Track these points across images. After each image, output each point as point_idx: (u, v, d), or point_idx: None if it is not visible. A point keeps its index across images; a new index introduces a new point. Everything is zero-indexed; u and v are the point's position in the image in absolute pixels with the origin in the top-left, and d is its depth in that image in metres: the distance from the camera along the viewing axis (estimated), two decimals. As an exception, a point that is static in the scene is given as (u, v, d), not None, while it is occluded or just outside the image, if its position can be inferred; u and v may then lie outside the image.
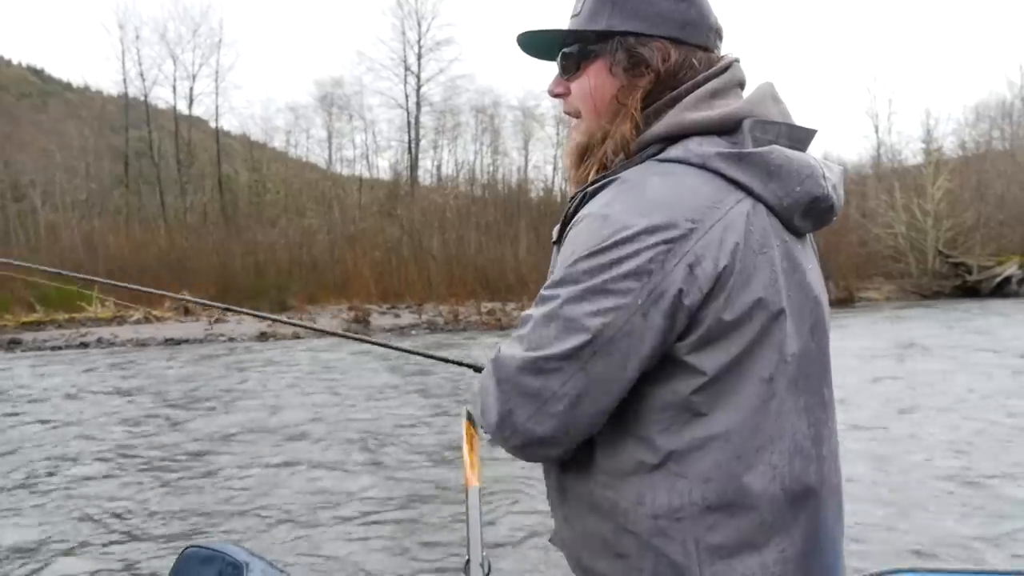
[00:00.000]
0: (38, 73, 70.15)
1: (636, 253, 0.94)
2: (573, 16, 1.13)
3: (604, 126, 1.10)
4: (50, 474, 6.48)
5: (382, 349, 16.03)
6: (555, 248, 1.11)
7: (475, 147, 39.04)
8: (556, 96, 1.17)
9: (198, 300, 2.47)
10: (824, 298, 1.11)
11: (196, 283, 24.50)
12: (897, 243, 30.13)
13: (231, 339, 18.84)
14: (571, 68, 1.13)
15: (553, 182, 37.23)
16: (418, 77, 36.86)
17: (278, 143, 40.04)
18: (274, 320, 2.35)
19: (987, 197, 30.68)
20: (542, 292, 1.01)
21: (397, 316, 22.11)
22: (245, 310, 2.22)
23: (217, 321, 21.15)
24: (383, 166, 43.11)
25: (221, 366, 13.36)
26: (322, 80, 50.11)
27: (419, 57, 36.77)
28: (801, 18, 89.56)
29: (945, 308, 22.55)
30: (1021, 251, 28.35)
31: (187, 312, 22.38)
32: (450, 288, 24.22)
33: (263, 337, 19.03)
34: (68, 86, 60.86)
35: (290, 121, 40.32)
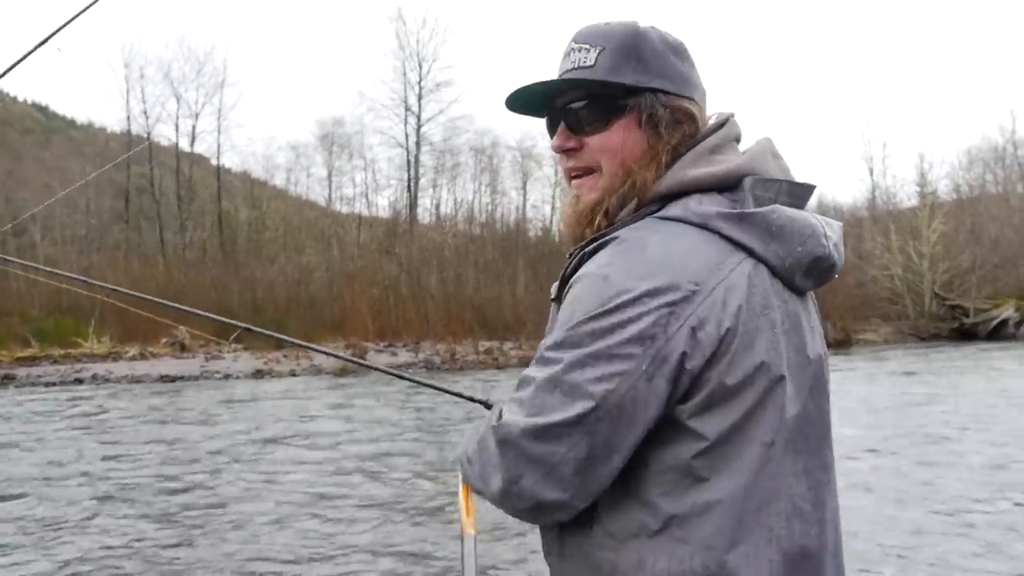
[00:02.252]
0: (43, 110, 70.89)
1: (639, 317, 0.93)
2: (580, 68, 1.08)
3: (623, 178, 1.07)
4: (31, 515, 6.38)
5: (382, 387, 15.95)
6: (553, 305, 1.09)
7: (474, 186, 39.40)
8: (567, 151, 1.11)
9: (266, 331, 2.33)
10: (825, 359, 1.09)
11: (193, 320, 24.42)
12: (894, 285, 30.24)
13: (227, 376, 18.73)
14: (594, 121, 1.09)
15: (551, 221, 37.46)
16: (418, 117, 37.35)
17: (279, 180, 40.31)
18: (347, 360, 2.34)
19: (982, 240, 30.92)
20: (544, 353, 1.00)
21: (394, 354, 22.03)
22: (323, 349, 2.23)
23: (212, 358, 21.05)
24: (382, 204, 43.37)
25: (216, 406, 13.26)
26: (323, 119, 50.69)
27: (419, 98, 37.31)
28: (797, 62, 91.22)
29: (943, 351, 22.54)
30: (1017, 294, 28.46)
31: (183, 349, 22.29)
32: (448, 326, 24.18)
33: (259, 374, 18.93)
34: (72, 123, 61.45)
35: (291, 159, 40.66)
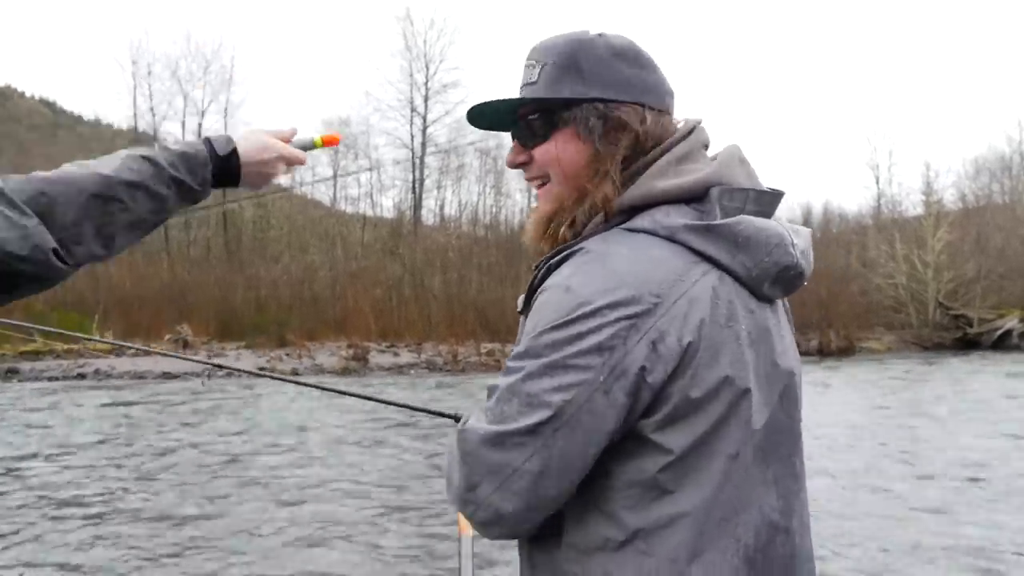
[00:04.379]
0: (50, 106, 71.16)
1: (598, 328, 0.93)
2: (527, 84, 1.11)
3: (578, 190, 1.08)
4: (28, 509, 6.40)
5: (379, 383, 15.95)
6: (522, 317, 1.09)
7: (478, 188, 39.40)
8: (517, 166, 1.15)
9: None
10: (796, 367, 1.09)
11: (197, 317, 24.50)
12: (898, 293, 30.15)
13: (229, 373, 18.73)
14: (536, 136, 1.10)
15: (555, 225, 37.44)
16: (424, 118, 37.35)
17: (284, 179, 40.31)
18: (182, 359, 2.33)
19: (987, 250, 30.81)
20: (507, 363, 1.00)
21: (396, 355, 22.04)
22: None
23: (215, 356, 21.07)
24: (387, 205, 43.44)
25: (217, 404, 13.27)
26: (329, 119, 50.65)
27: (426, 99, 37.32)
28: (803, 68, 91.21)
29: (946, 360, 22.48)
30: (1021, 304, 28.34)
31: (186, 346, 22.32)
32: (450, 328, 24.19)
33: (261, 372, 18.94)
34: (79, 119, 61.73)
35: (296, 158, 40.64)
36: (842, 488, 6.89)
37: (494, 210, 38.58)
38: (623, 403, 0.94)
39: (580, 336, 0.93)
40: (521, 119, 1.12)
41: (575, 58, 1.07)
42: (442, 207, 39.31)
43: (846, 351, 24.24)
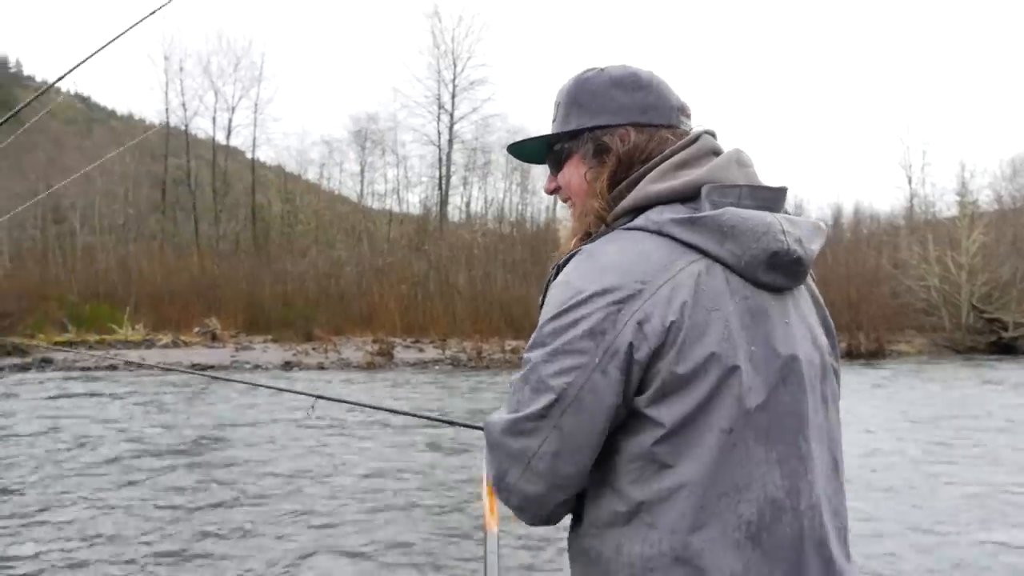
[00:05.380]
0: (85, 100, 72.44)
1: (590, 314, 1.03)
2: (552, 122, 1.29)
3: (584, 207, 1.23)
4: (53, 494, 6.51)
5: (403, 380, 16.04)
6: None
7: (505, 185, 39.42)
8: (551, 192, 1.31)
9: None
10: (809, 352, 1.13)
11: (225, 311, 24.81)
12: (930, 296, 29.61)
13: (256, 366, 18.96)
14: (556, 165, 1.29)
15: (581, 222, 37.29)
16: (451, 115, 37.46)
17: (312, 175, 40.64)
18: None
19: (1023, 252, 30.14)
20: (523, 355, 1.10)
21: (421, 350, 22.13)
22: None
23: (242, 349, 21.34)
24: (413, 201, 43.69)
25: (244, 395, 13.41)
26: (357, 115, 51.19)
27: (453, 96, 37.42)
28: (835, 67, 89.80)
29: (980, 364, 22.04)
30: (1059, 309, 27.69)
31: (214, 338, 22.63)
32: (475, 325, 24.23)
33: (288, 366, 19.14)
34: (113, 114, 62.79)
35: (324, 154, 41.03)
36: (883, 502, 6.78)
37: (520, 207, 38.61)
38: (618, 379, 1.03)
39: (575, 323, 1.04)
40: (549, 152, 1.30)
41: (577, 95, 1.25)
42: (468, 204, 39.43)
43: (876, 354, 23.84)
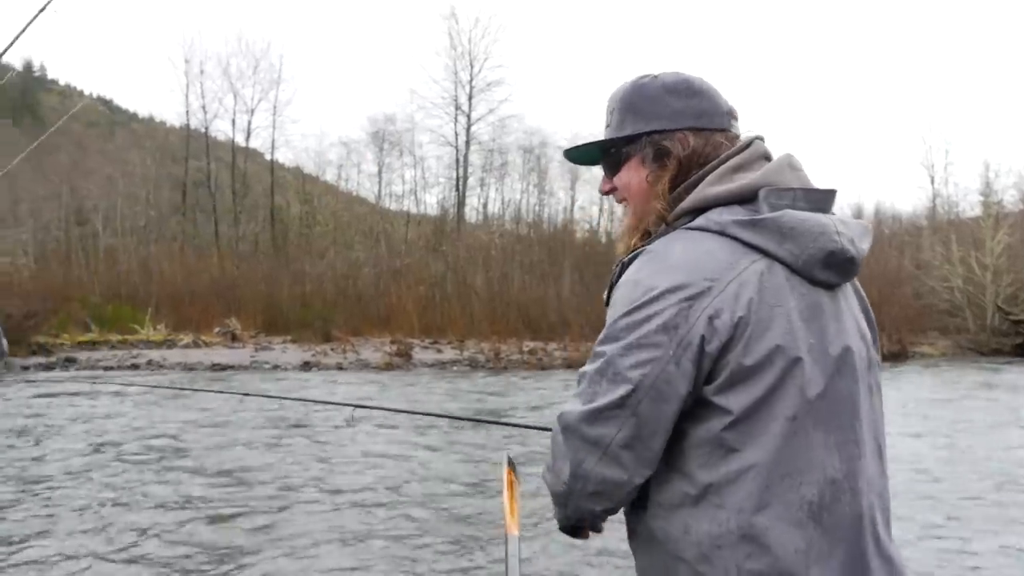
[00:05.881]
0: (107, 103, 73.36)
1: (664, 310, 1.11)
2: (606, 127, 1.36)
3: (644, 207, 1.31)
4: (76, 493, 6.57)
5: (424, 382, 16.06)
6: (607, 310, 1.26)
7: (522, 186, 39.39)
8: (606, 193, 1.40)
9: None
10: (858, 344, 1.21)
11: (245, 311, 24.98)
12: (954, 297, 29.20)
13: (275, 367, 19.06)
14: (613, 168, 1.36)
15: (599, 223, 37.26)
16: (468, 116, 37.47)
17: (330, 176, 40.85)
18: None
19: (1050, 253, 29.65)
20: (594, 349, 1.18)
21: (439, 351, 22.15)
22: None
23: (262, 349, 21.47)
24: (431, 202, 43.75)
25: (264, 398, 13.47)
26: (375, 116, 51.37)
27: (470, 97, 37.43)
28: (856, 67, 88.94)
29: (1004, 367, 21.70)
30: (1087, 310, 27.20)
31: (234, 339, 22.79)
32: (492, 326, 24.21)
33: (307, 367, 19.23)
34: (134, 116, 63.53)
35: (342, 155, 41.19)
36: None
37: (537, 208, 38.56)
38: (690, 371, 1.11)
39: (649, 318, 1.12)
40: (604, 155, 1.38)
41: (632, 100, 1.32)
42: (485, 205, 39.43)
43: (899, 356, 23.50)
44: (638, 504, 1.21)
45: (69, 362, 18.56)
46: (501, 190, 39.44)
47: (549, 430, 2.08)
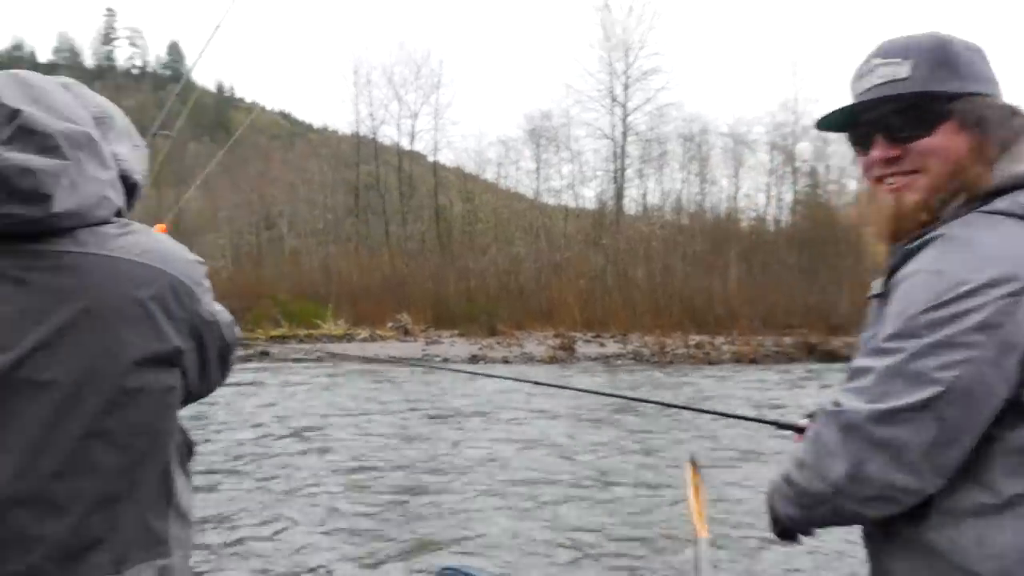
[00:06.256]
0: (287, 117, 79.83)
1: (981, 307, 1.00)
2: (891, 82, 1.17)
3: (957, 179, 1.14)
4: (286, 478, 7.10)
5: (590, 375, 16.03)
6: (874, 301, 1.17)
7: (682, 175, 38.25)
8: (888, 161, 1.20)
9: None
10: None
11: (415, 306, 26.22)
12: None
13: (445, 359, 19.81)
14: (921, 128, 1.16)
15: (766, 211, 35.48)
16: (624, 107, 36.89)
17: (489, 175, 41.85)
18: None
19: None
20: (881, 344, 1.06)
21: (602, 345, 22.06)
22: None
23: (432, 343, 22.42)
24: (589, 196, 43.57)
25: (437, 386, 14.04)
26: (531, 114, 51.94)
27: (626, 88, 36.82)
28: (1062, 24, 78.46)
29: None
30: None
31: (406, 333, 23.98)
32: (655, 319, 23.76)
33: (474, 359, 19.82)
34: (311, 128, 68.50)
35: (501, 154, 42.00)
36: None
37: (699, 197, 37.34)
38: (1013, 375, 1.00)
39: (961, 315, 1.00)
40: (889, 116, 1.18)
41: (947, 55, 1.17)
42: (644, 196, 38.69)
43: None
44: (913, 511, 1.09)
45: (264, 355, 20.31)
46: (660, 180, 38.52)
47: (760, 421, 1.96)
